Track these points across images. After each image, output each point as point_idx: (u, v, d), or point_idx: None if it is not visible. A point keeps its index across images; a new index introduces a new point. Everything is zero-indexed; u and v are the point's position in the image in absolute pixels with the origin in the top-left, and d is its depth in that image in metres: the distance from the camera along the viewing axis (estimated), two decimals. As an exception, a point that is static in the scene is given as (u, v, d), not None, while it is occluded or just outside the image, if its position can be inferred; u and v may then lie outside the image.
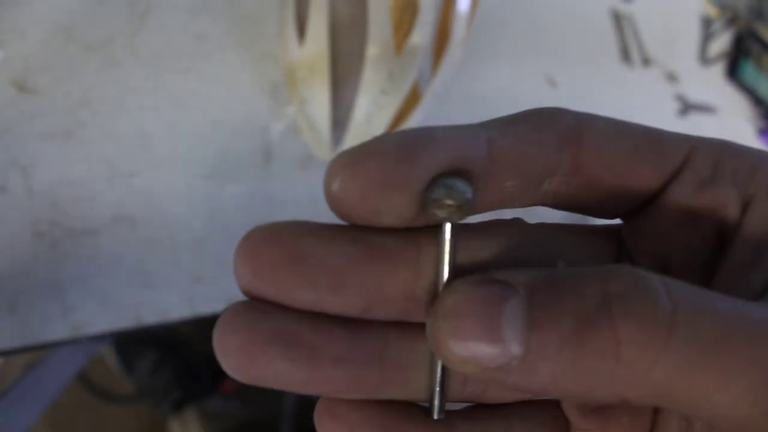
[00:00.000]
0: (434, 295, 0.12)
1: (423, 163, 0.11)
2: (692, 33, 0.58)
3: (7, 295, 0.31)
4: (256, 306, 0.11)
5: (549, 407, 0.14)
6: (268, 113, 0.37)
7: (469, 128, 0.12)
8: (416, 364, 0.13)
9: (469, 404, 0.14)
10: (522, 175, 0.12)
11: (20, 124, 0.32)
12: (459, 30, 0.33)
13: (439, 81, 0.33)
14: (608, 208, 0.14)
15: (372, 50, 0.30)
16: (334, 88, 0.32)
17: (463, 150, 0.12)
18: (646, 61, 0.54)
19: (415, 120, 0.34)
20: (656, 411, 0.13)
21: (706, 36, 0.59)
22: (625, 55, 0.53)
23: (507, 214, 0.14)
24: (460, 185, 0.11)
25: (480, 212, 0.13)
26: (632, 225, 0.14)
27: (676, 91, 0.55)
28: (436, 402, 0.12)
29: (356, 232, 0.12)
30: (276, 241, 0.12)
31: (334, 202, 0.12)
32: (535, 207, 0.14)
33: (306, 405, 0.92)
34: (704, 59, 0.58)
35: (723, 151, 0.13)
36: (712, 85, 0.58)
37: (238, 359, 0.11)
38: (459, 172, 0.12)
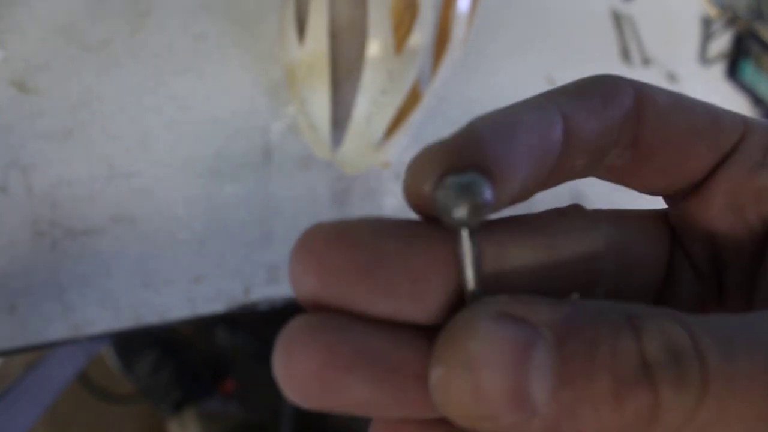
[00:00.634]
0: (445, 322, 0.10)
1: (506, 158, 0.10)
2: (692, 33, 0.58)
3: (7, 295, 0.31)
4: (331, 321, 0.10)
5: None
6: (268, 113, 0.37)
7: (541, 108, 0.11)
8: None
9: None
10: (592, 151, 0.12)
11: (20, 124, 0.32)
12: (459, 30, 0.33)
13: (439, 81, 0.33)
14: (661, 185, 0.14)
15: (372, 50, 0.30)
16: (334, 88, 0.32)
17: (543, 139, 0.11)
18: (646, 61, 0.54)
19: (415, 120, 0.34)
20: None
21: (706, 36, 0.58)
22: (625, 55, 0.53)
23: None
24: (475, 182, 0.09)
25: (541, 191, 0.12)
26: (682, 208, 0.14)
27: (676, 91, 0.56)
28: None
29: (436, 231, 0.11)
30: (349, 241, 0.10)
31: (410, 197, 0.11)
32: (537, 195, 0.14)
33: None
34: (704, 59, 0.58)
35: None
36: (712, 85, 0.58)
37: (314, 386, 0.09)
38: (475, 166, 0.10)
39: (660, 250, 0.14)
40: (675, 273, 0.14)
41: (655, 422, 0.09)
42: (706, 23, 0.59)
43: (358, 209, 0.40)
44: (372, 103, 0.31)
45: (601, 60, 0.52)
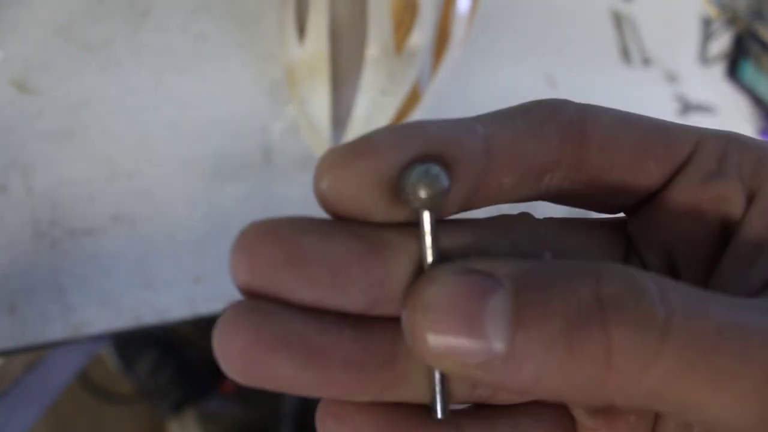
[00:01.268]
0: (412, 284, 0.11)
1: (404, 153, 0.11)
2: (692, 33, 0.58)
3: (7, 295, 0.31)
4: (259, 306, 0.11)
5: (555, 405, 0.13)
6: (268, 113, 0.37)
7: (464, 121, 0.12)
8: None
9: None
10: (521, 170, 0.12)
11: (20, 124, 0.32)
12: (459, 30, 0.33)
13: (439, 81, 0.33)
14: (612, 203, 0.14)
15: (372, 50, 0.30)
16: (334, 88, 0.32)
17: (453, 140, 0.11)
18: (646, 61, 0.54)
19: (415, 120, 0.34)
20: None
21: (706, 36, 0.58)
22: (625, 55, 0.53)
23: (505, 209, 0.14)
24: (434, 170, 0.11)
25: (478, 207, 0.13)
26: (637, 218, 0.14)
27: (676, 91, 0.55)
28: (438, 401, 0.12)
29: (357, 227, 0.12)
30: (275, 237, 0.11)
31: (323, 201, 0.12)
32: (535, 202, 0.14)
33: (306, 406, 0.92)
34: (704, 59, 0.58)
35: (729, 143, 0.13)
36: (712, 85, 0.58)
37: (242, 363, 0.10)
38: (435, 158, 0.11)
39: (613, 258, 0.14)
40: None
41: (609, 368, 0.09)
42: (706, 23, 0.59)
43: (358, 209, 0.40)
44: (372, 103, 0.31)
45: (601, 60, 0.52)
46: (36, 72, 0.33)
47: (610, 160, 0.13)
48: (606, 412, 0.13)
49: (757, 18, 0.59)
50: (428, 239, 0.11)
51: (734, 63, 0.59)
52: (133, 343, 0.85)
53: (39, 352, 0.48)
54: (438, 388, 0.12)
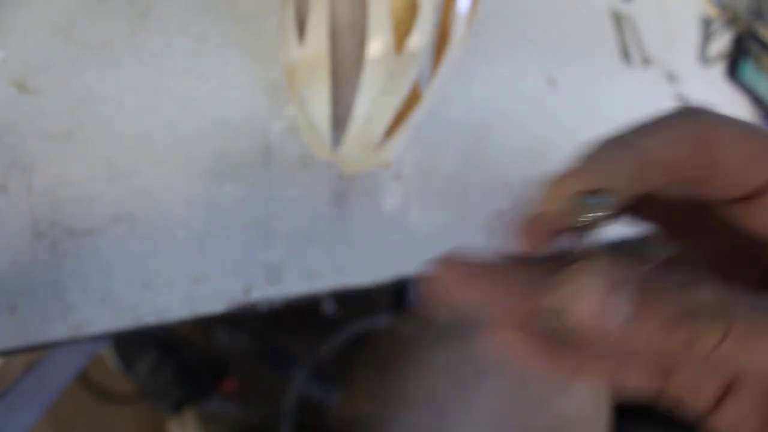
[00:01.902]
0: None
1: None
2: (692, 33, 0.58)
3: (7, 295, 0.31)
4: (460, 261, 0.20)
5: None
6: (268, 113, 0.37)
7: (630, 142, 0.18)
8: None
9: None
10: (671, 177, 0.18)
11: (20, 124, 0.32)
12: (459, 30, 0.33)
13: (439, 81, 0.33)
14: (723, 195, 0.18)
15: (372, 50, 0.30)
16: (334, 88, 0.32)
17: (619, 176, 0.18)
18: (646, 61, 0.54)
19: (415, 120, 0.34)
20: None
21: (706, 36, 0.58)
22: (625, 55, 0.53)
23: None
24: (601, 201, 0.17)
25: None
26: (738, 210, 0.19)
27: (676, 91, 0.55)
28: None
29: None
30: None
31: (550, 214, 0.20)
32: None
33: (306, 405, 0.92)
34: (704, 59, 0.58)
35: None
36: (712, 85, 0.58)
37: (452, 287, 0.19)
38: (599, 190, 0.18)
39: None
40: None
41: (690, 349, 0.15)
42: (706, 23, 0.59)
43: (358, 209, 0.40)
44: (372, 103, 0.31)
45: (601, 60, 0.52)
46: (36, 72, 0.33)
47: (725, 162, 0.17)
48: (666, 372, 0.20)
49: (757, 18, 0.59)
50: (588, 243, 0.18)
51: (734, 63, 0.59)
52: (133, 343, 0.85)
53: (39, 352, 0.48)
54: None
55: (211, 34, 0.36)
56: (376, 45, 0.30)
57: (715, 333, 0.14)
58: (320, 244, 0.38)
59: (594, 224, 0.17)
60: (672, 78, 0.55)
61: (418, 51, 0.31)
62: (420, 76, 0.33)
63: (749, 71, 0.59)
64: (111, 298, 0.33)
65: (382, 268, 0.40)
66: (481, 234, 0.44)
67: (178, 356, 0.87)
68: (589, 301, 0.15)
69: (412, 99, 0.33)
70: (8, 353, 0.31)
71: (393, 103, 0.32)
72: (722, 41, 0.59)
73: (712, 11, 0.59)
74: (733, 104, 0.59)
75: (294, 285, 0.38)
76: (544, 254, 0.20)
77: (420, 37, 0.31)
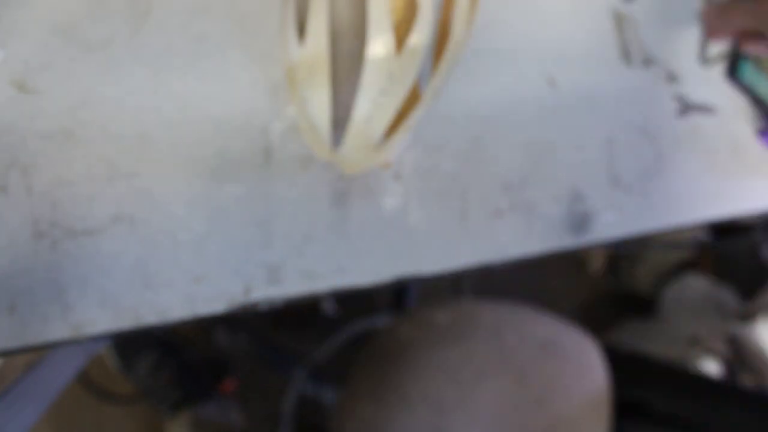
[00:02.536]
0: None
1: None
2: (692, 33, 0.58)
3: (7, 295, 0.31)
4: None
5: None
6: (268, 113, 0.37)
7: None
8: None
9: None
10: None
11: (20, 124, 0.32)
12: (459, 30, 0.33)
13: (439, 81, 0.33)
14: None
15: (372, 50, 0.30)
16: (334, 88, 0.32)
17: None
18: (647, 61, 0.54)
19: (415, 120, 0.34)
20: None
21: (707, 36, 0.58)
22: (625, 55, 0.53)
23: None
24: None
25: None
26: None
27: (676, 91, 0.55)
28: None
29: None
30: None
31: None
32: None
33: (306, 406, 0.92)
34: (704, 59, 0.58)
35: None
36: (712, 85, 0.58)
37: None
38: None
39: None
40: None
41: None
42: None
43: (358, 209, 0.40)
44: (372, 103, 0.31)
45: (601, 60, 0.52)
46: (36, 72, 0.33)
47: None
48: None
49: (757, 18, 0.59)
50: None
51: (734, 63, 0.59)
52: (133, 343, 0.85)
53: (39, 352, 0.48)
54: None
55: (211, 34, 0.36)
56: (376, 45, 0.30)
57: None
58: (320, 244, 0.38)
59: None
60: (672, 78, 0.55)
61: (418, 51, 0.31)
62: (420, 76, 0.33)
63: (749, 71, 0.59)
64: (111, 298, 0.33)
65: (382, 268, 0.40)
66: (480, 234, 0.44)
67: (178, 356, 0.87)
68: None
69: (412, 99, 0.33)
70: (8, 353, 0.31)
71: (393, 103, 0.32)
72: (722, 41, 0.59)
73: (712, 11, 0.59)
74: (733, 104, 0.59)
75: (294, 285, 0.38)
76: None
77: (420, 37, 0.31)
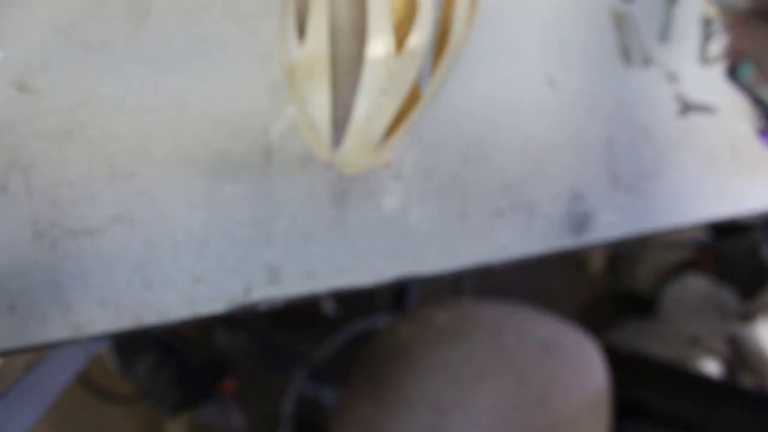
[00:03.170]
0: None
1: None
2: (692, 33, 0.58)
3: (7, 295, 0.31)
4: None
5: None
6: (268, 113, 0.37)
7: None
8: None
9: None
10: None
11: (20, 124, 0.32)
12: (459, 30, 0.33)
13: (439, 81, 0.33)
14: None
15: (372, 50, 0.30)
16: (334, 88, 0.32)
17: None
18: (646, 61, 0.54)
19: (415, 120, 0.34)
20: None
21: (706, 36, 0.58)
22: (625, 55, 0.53)
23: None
24: None
25: None
26: None
27: (676, 91, 0.55)
28: None
29: None
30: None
31: None
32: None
33: (306, 406, 0.92)
34: (704, 59, 0.58)
35: None
36: (712, 85, 0.58)
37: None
38: None
39: None
40: None
41: None
42: (706, 23, 0.59)
43: (358, 209, 0.40)
44: (372, 103, 0.31)
45: (601, 60, 0.52)
46: (36, 72, 0.33)
47: None
48: None
49: (757, 18, 0.59)
50: None
51: (734, 63, 0.59)
52: (133, 344, 0.85)
53: (39, 352, 0.48)
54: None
55: (211, 34, 0.36)
56: (376, 45, 0.30)
57: None
58: (320, 244, 0.38)
59: None
60: (672, 78, 0.55)
61: (418, 51, 0.31)
62: (420, 76, 0.33)
63: (749, 71, 0.59)
64: (111, 298, 0.33)
65: (382, 268, 0.40)
66: (480, 234, 0.44)
67: (178, 357, 0.87)
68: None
69: (412, 99, 0.33)
70: (8, 353, 0.31)
71: (393, 103, 0.32)
72: (722, 41, 0.59)
73: (712, 11, 0.59)
74: (733, 104, 0.59)
75: (294, 285, 0.38)
76: None
77: (420, 37, 0.31)
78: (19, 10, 0.33)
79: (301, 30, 0.33)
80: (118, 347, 0.84)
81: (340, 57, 0.32)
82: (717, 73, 0.59)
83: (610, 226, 0.50)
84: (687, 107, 0.56)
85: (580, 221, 0.49)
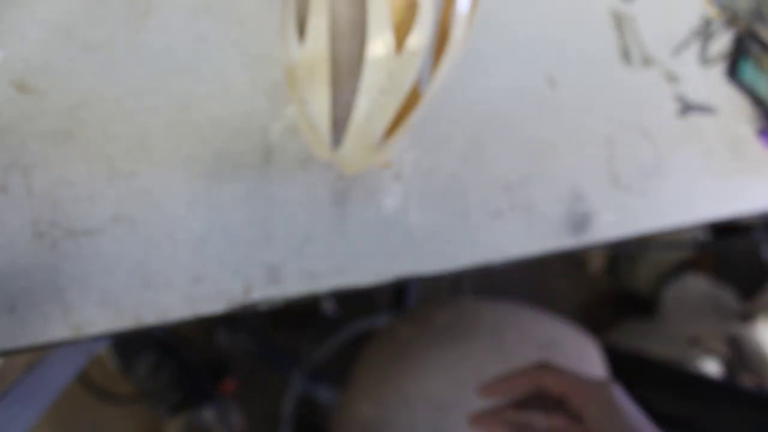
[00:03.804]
0: None
1: None
2: (692, 30, 0.58)
3: (7, 295, 0.31)
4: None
5: None
6: (268, 113, 0.37)
7: None
8: None
9: None
10: None
11: (20, 124, 0.32)
12: (459, 30, 0.33)
13: (439, 81, 0.33)
14: None
15: (372, 50, 0.30)
16: (334, 88, 0.32)
17: None
18: (646, 61, 0.54)
19: (415, 120, 0.34)
20: None
21: (706, 36, 0.58)
22: (625, 55, 0.53)
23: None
24: None
25: None
26: None
27: (676, 91, 0.55)
28: None
29: None
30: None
31: None
32: None
33: (306, 406, 0.92)
34: (704, 59, 0.58)
35: None
36: (712, 85, 0.58)
37: None
38: None
39: None
40: None
41: None
42: (706, 23, 0.59)
43: (358, 209, 0.40)
44: (372, 103, 0.31)
45: (601, 60, 0.52)
46: (36, 72, 0.33)
47: None
48: None
49: (757, 18, 0.59)
50: None
51: (734, 63, 0.59)
52: (133, 344, 0.85)
53: (39, 352, 0.48)
54: None
55: (211, 34, 0.36)
56: (376, 45, 0.30)
57: None
58: (320, 244, 0.38)
59: None
60: (672, 78, 0.55)
61: (418, 51, 0.31)
62: (420, 76, 0.33)
63: (749, 71, 0.59)
64: (111, 298, 0.33)
65: (382, 268, 0.40)
66: (480, 234, 0.44)
67: (178, 357, 0.87)
68: None
69: (412, 99, 0.33)
70: (8, 353, 0.31)
71: (393, 103, 0.32)
72: (722, 41, 0.59)
73: (712, 11, 0.59)
74: (733, 104, 0.59)
75: (294, 285, 0.38)
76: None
77: (420, 37, 0.31)
78: (19, 10, 0.33)
79: (301, 30, 0.32)
80: (118, 347, 0.84)
81: (340, 57, 0.32)
82: (717, 73, 0.59)
83: (610, 226, 0.50)
84: (687, 107, 0.56)
85: (580, 221, 0.49)
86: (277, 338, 1.00)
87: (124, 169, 0.34)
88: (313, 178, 0.38)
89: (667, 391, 0.85)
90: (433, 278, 0.42)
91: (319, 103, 0.32)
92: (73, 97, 0.33)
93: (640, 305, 1.34)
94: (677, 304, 1.25)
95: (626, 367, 0.83)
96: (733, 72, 0.60)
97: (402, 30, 0.31)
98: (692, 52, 0.58)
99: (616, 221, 0.50)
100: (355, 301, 1.08)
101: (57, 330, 0.32)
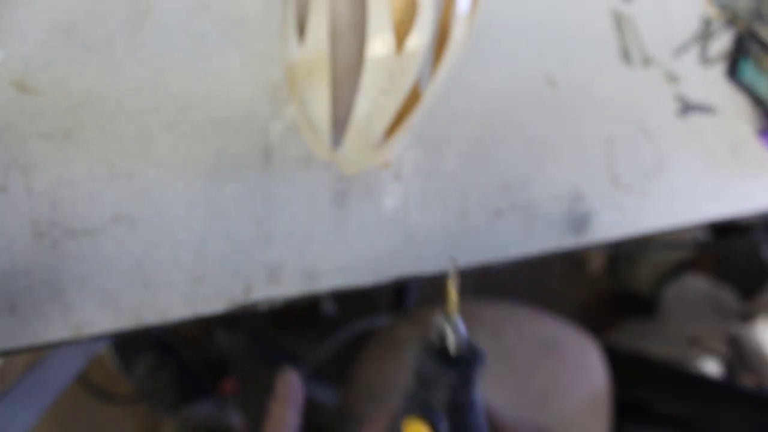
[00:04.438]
0: None
1: None
2: (692, 33, 0.58)
3: (7, 295, 0.31)
4: None
5: None
6: (268, 113, 0.37)
7: None
8: None
9: None
10: None
11: (20, 124, 0.32)
12: (459, 30, 0.33)
13: (439, 81, 0.33)
14: None
15: (372, 50, 0.30)
16: (334, 88, 0.32)
17: None
18: (646, 61, 0.54)
19: (415, 120, 0.34)
20: None
21: (706, 36, 0.58)
22: (625, 55, 0.53)
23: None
24: None
25: None
26: None
27: (676, 91, 0.55)
28: None
29: None
30: None
31: None
32: None
33: (306, 405, 0.92)
34: (704, 59, 0.58)
35: None
36: (712, 85, 0.58)
37: None
38: None
39: None
40: None
41: None
42: (706, 23, 0.59)
43: (358, 209, 0.40)
44: (372, 103, 0.31)
45: (601, 60, 0.52)
46: (36, 72, 0.33)
47: None
48: None
49: (757, 18, 0.59)
50: None
51: (734, 63, 0.59)
52: (133, 344, 0.85)
53: (39, 352, 0.48)
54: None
55: (211, 34, 0.36)
56: (376, 45, 0.30)
57: None
58: (320, 244, 0.38)
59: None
60: (672, 78, 0.55)
61: (418, 51, 0.31)
62: (420, 76, 0.33)
63: (749, 71, 0.59)
64: (111, 298, 0.33)
65: (382, 268, 0.40)
66: (480, 234, 0.44)
67: (177, 357, 0.87)
68: None
69: (412, 99, 0.33)
70: (8, 353, 0.31)
71: (393, 103, 0.32)
72: (722, 41, 0.59)
73: (712, 11, 0.59)
74: (733, 104, 0.59)
75: (294, 285, 0.38)
76: None
77: (420, 37, 0.31)
78: (19, 10, 0.33)
79: (301, 30, 0.32)
80: (118, 347, 0.84)
81: (340, 57, 0.32)
82: (717, 73, 0.59)
83: (610, 226, 0.50)
84: (687, 107, 0.56)
85: (580, 221, 0.49)
86: (277, 338, 1.00)
87: (124, 169, 0.34)
88: (313, 178, 0.38)
89: (667, 391, 0.85)
90: (433, 278, 0.42)
91: (319, 103, 0.32)
92: (73, 97, 0.33)
93: (640, 305, 1.34)
94: (677, 304, 1.25)
95: (626, 367, 0.83)
96: (733, 72, 0.60)
97: (402, 30, 0.31)
98: (692, 52, 0.58)
99: (616, 221, 0.50)
100: (355, 301, 1.08)
101: (57, 330, 0.32)
